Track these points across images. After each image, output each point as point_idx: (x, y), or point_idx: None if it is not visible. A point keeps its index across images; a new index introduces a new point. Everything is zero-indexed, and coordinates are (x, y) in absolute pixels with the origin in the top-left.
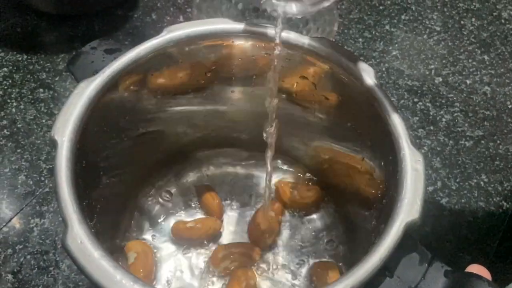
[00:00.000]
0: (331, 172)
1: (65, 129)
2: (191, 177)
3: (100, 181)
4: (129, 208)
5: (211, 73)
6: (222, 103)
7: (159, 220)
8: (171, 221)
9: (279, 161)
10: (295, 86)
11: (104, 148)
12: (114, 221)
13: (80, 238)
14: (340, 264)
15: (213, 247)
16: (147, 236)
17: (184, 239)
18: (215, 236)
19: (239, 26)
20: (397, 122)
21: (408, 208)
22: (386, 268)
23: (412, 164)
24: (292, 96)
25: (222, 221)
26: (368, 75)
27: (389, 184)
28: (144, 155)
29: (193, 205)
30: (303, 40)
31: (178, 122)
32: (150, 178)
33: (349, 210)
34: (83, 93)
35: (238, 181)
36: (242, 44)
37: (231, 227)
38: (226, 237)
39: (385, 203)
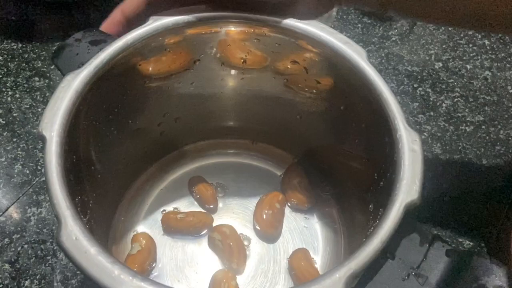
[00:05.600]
0: (325, 157)
1: (53, 124)
2: (183, 168)
3: (91, 176)
4: (122, 201)
5: (200, 61)
6: (212, 91)
7: (152, 212)
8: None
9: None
10: (286, 71)
11: (95, 142)
12: (107, 215)
13: (75, 235)
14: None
15: (204, 240)
16: (141, 228)
17: (174, 229)
18: (204, 230)
19: (227, 12)
20: (391, 102)
21: (407, 189)
22: (388, 250)
23: (409, 145)
24: (283, 81)
25: (217, 203)
26: (360, 57)
27: (386, 166)
28: (135, 147)
29: (186, 197)
30: (293, 23)
31: (167, 112)
32: (142, 170)
33: (345, 195)
34: (70, 86)
35: (230, 171)
36: (230, 30)
37: (224, 216)
38: None
39: (382, 186)
